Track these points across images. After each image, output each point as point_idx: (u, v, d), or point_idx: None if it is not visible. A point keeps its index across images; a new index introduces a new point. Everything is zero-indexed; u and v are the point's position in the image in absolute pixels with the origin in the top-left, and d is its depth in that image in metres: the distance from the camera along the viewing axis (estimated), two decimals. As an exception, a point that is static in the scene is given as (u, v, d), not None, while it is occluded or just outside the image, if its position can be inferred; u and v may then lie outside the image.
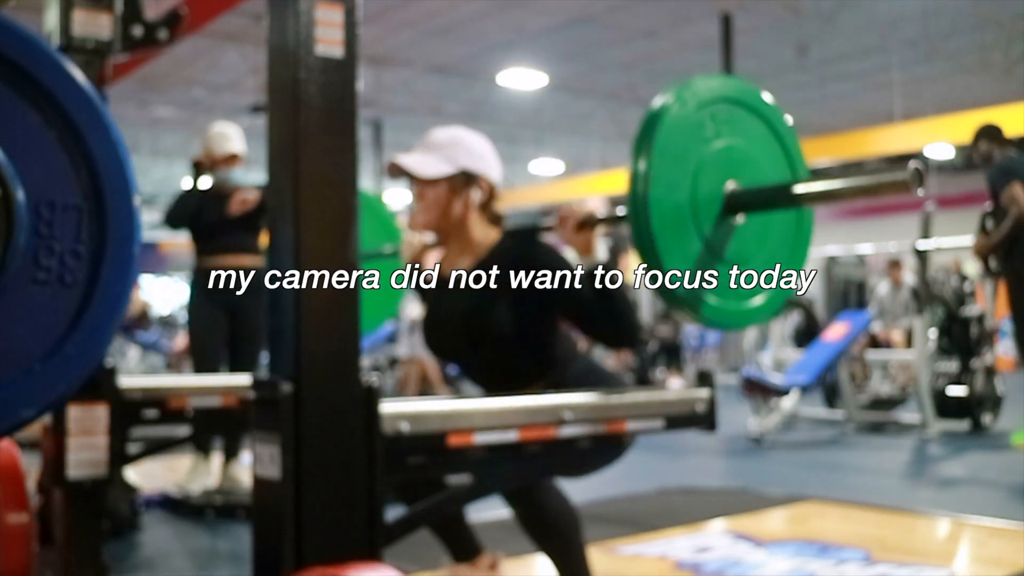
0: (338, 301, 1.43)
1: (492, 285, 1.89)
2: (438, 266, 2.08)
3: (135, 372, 10.02)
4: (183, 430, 2.60)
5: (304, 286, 1.39)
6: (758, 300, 1.85)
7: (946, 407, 5.82)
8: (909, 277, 7.92)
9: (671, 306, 1.76)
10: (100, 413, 2.19)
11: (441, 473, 1.62)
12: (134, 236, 1.19)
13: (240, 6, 7.37)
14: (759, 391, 5.63)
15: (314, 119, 1.41)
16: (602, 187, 17.52)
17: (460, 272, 1.98)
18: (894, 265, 8.59)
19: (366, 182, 16.77)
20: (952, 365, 5.90)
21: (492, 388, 2.02)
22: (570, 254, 1.88)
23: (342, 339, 1.42)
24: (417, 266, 2.18)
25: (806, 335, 7.52)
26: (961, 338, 5.88)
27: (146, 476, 4.03)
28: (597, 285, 1.80)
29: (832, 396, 6.75)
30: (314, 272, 1.40)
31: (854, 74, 11.28)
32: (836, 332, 6.28)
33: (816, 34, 9.36)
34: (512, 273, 1.88)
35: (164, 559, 2.85)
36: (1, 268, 1.09)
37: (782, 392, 5.64)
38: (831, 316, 7.98)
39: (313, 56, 1.41)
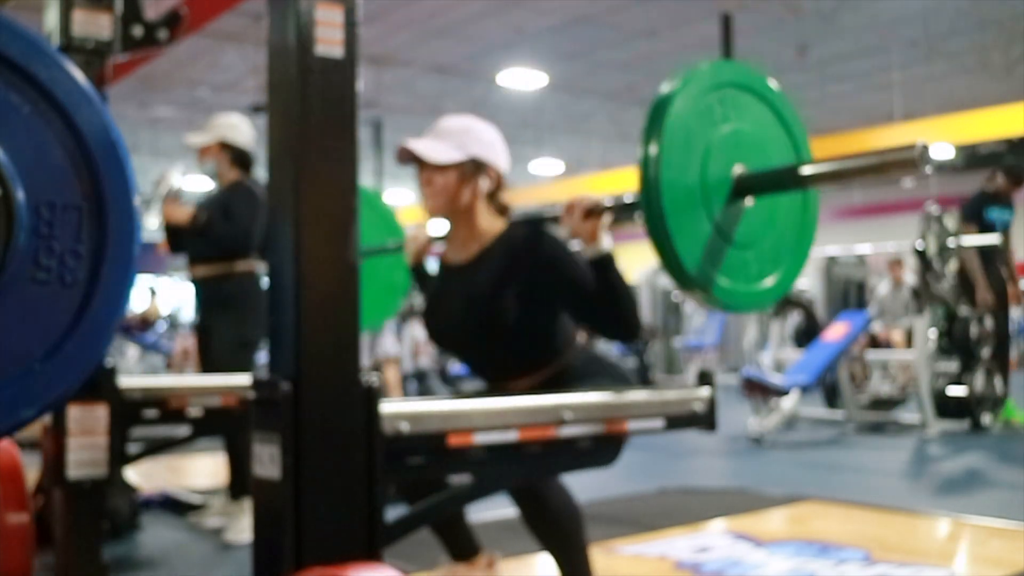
0: (338, 301, 1.43)
1: (496, 273, 1.89)
2: (442, 257, 2.08)
3: (133, 372, 10.02)
4: (183, 430, 2.60)
5: (304, 286, 1.40)
6: (768, 282, 1.87)
7: (946, 407, 5.82)
8: (909, 277, 7.93)
9: (683, 288, 1.77)
10: (100, 413, 2.19)
11: (441, 473, 1.62)
12: (134, 236, 1.19)
13: (240, 6, 7.37)
14: (759, 391, 5.63)
15: (314, 119, 1.41)
16: (602, 187, 17.52)
17: (464, 260, 1.98)
18: (895, 264, 8.60)
19: (366, 182, 16.78)
20: (952, 365, 5.90)
21: (493, 379, 2.02)
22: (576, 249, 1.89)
23: (342, 339, 1.42)
24: (421, 261, 2.18)
25: (806, 335, 7.52)
26: (961, 338, 5.87)
27: (146, 476, 4.03)
28: (602, 275, 1.81)
29: (832, 396, 6.74)
30: (314, 272, 1.40)
31: (854, 74, 11.29)
32: (836, 332, 6.28)
33: (816, 34, 9.37)
34: (517, 261, 1.88)
35: (164, 559, 2.85)
36: (1, 268, 1.09)
37: (782, 392, 5.64)
38: (831, 316, 7.98)
39: (313, 56, 1.42)
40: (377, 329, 3.24)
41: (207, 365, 3.36)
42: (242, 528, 3.01)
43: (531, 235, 1.91)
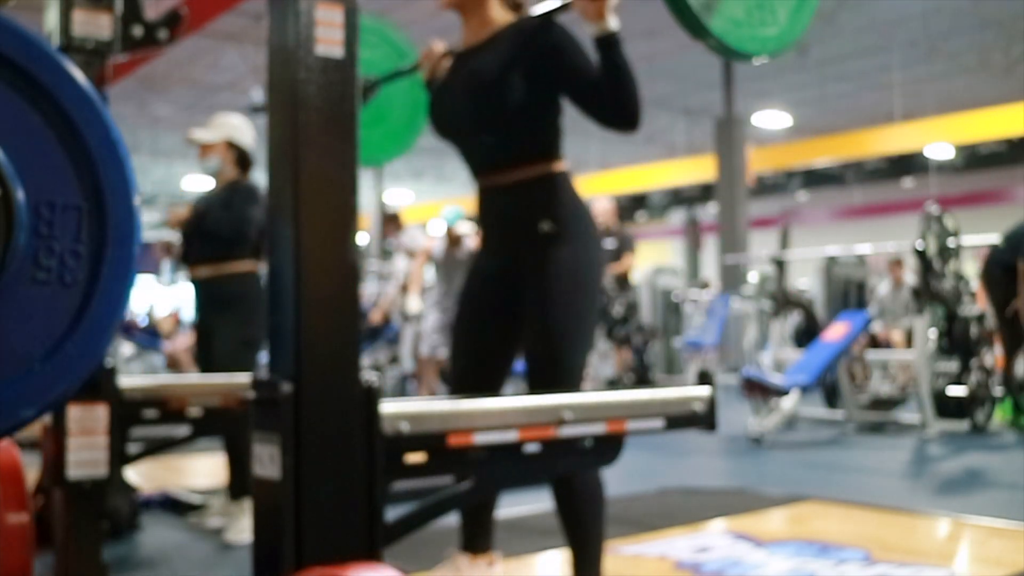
0: (338, 301, 1.43)
1: (503, 55, 1.93)
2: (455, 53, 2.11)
3: (131, 371, 10.01)
4: (183, 430, 2.60)
5: (304, 286, 1.40)
6: (771, 31, 1.86)
7: (946, 407, 5.82)
8: (910, 277, 7.93)
9: (680, 17, 1.75)
10: (100, 413, 2.19)
11: (441, 473, 1.62)
12: (134, 236, 1.19)
13: (240, 6, 7.38)
14: (759, 391, 5.63)
15: (314, 119, 1.42)
16: (602, 187, 17.54)
17: (474, 44, 2.02)
18: (895, 264, 8.59)
19: (366, 182, 16.80)
20: (952, 365, 5.89)
21: (484, 170, 2.03)
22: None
23: (342, 339, 1.42)
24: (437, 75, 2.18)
25: (806, 335, 7.51)
26: (961, 338, 5.87)
27: (146, 476, 4.03)
28: (607, 55, 1.82)
29: (832, 396, 6.74)
30: (314, 272, 1.40)
31: (854, 74, 11.29)
32: (836, 332, 6.28)
33: (816, 34, 9.37)
34: (524, 46, 1.92)
35: (164, 559, 2.85)
36: (1, 268, 1.09)
37: (782, 392, 5.64)
38: (831, 316, 7.98)
39: (313, 56, 1.42)
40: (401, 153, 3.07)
41: (209, 365, 3.35)
42: (242, 528, 3.00)
43: (540, 23, 1.93)
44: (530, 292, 1.96)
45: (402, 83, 2.84)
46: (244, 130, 3.46)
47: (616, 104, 1.86)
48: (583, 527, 1.95)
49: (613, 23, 1.83)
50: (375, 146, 2.97)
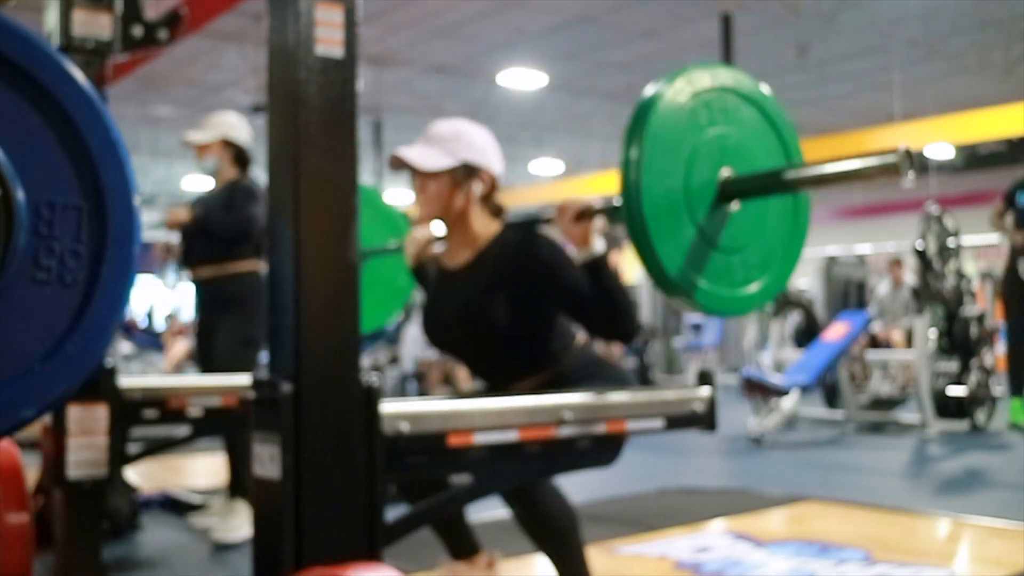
0: (338, 301, 1.43)
1: (490, 279, 1.90)
2: (440, 262, 2.09)
3: (128, 370, 10.01)
4: (183, 430, 2.60)
5: (304, 286, 1.40)
6: (753, 288, 1.86)
7: (946, 407, 5.82)
8: (910, 277, 7.93)
9: (665, 293, 1.76)
10: (100, 413, 2.19)
11: (441, 473, 1.62)
12: (134, 236, 1.19)
13: (240, 6, 7.37)
14: (759, 391, 5.63)
15: (314, 119, 1.42)
16: (602, 187, 17.53)
17: (460, 265, 1.99)
18: (895, 264, 8.59)
19: (366, 182, 16.78)
20: (952, 365, 5.89)
21: (492, 381, 2.03)
22: (572, 250, 1.89)
23: (342, 339, 1.42)
24: (421, 261, 2.19)
25: (806, 335, 7.51)
26: (961, 338, 5.87)
27: (146, 476, 4.03)
28: (595, 278, 1.81)
29: (832, 396, 6.74)
30: (314, 272, 1.40)
31: (854, 74, 11.28)
32: (836, 332, 6.28)
33: (816, 34, 9.37)
34: (510, 267, 1.89)
35: (164, 559, 2.85)
36: (1, 268, 1.09)
37: (782, 392, 5.64)
38: (831, 316, 7.98)
39: (313, 56, 1.42)
40: (389, 324, 3.26)
41: (210, 365, 3.34)
42: (233, 527, 3.00)
43: (525, 240, 1.91)
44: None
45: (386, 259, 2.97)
46: (239, 127, 3.44)
47: (610, 322, 1.84)
48: (556, 540, 1.93)
49: (598, 246, 1.82)
50: (376, 307, 3.24)
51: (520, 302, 1.88)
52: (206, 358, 3.40)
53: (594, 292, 1.81)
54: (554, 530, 1.92)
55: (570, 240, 1.85)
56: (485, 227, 1.98)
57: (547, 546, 1.94)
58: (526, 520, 1.93)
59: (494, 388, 2.02)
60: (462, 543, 2.11)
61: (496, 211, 2.01)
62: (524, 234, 1.93)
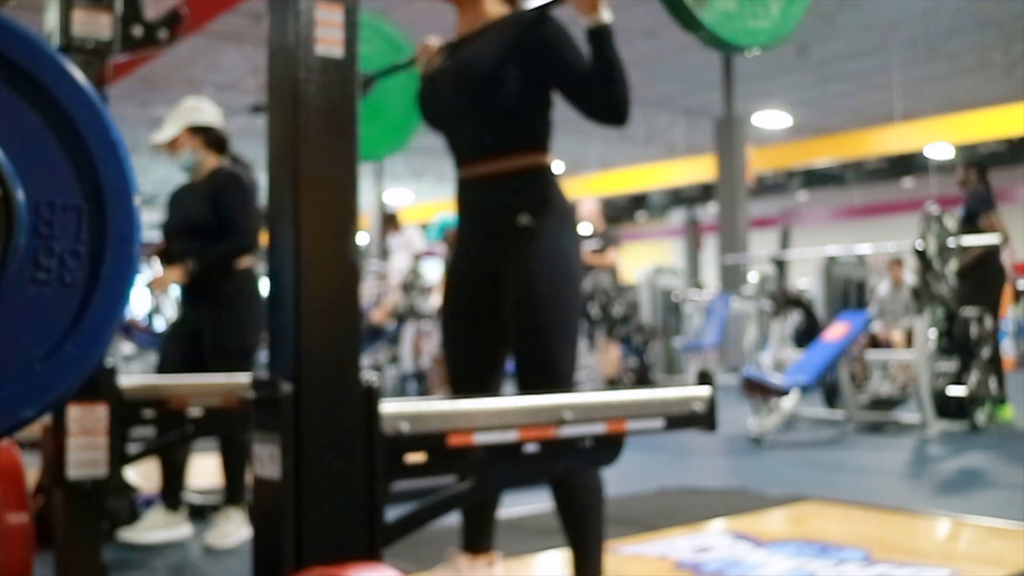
0: (338, 301, 1.43)
1: (495, 44, 1.94)
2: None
3: (128, 370, 10.00)
4: (183, 430, 2.59)
5: (304, 286, 1.39)
6: (762, 23, 1.87)
7: (946, 407, 5.82)
8: (909, 277, 7.94)
9: (672, 10, 1.76)
10: (100, 413, 2.19)
11: (441, 473, 1.62)
12: (134, 236, 1.19)
13: (240, 6, 7.38)
14: (759, 391, 5.63)
15: (314, 119, 1.41)
16: (602, 187, 17.54)
17: (466, 33, 2.04)
18: (895, 264, 8.59)
19: (366, 182, 16.79)
20: (952, 365, 5.89)
21: (468, 158, 2.03)
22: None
23: (342, 339, 1.42)
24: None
25: (806, 335, 7.51)
26: (961, 338, 5.87)
27: (146, 476, 4.03)
28: (599, 46, 1.83)
29: (832, 396, 6.74)
30: (314, 272, 1.40)
31: (854, 74, 11.28)
32: (836, 332, 6.28)
33: (816, 34, 9.36)
34: (516, 38, 1.93)
35: (164, 559, 2.85)
36: (1, 268, 1.09)
37: (782, 392, 5.64)
38: (831, 316, 7.97)
39: (313, 56, 1.42)
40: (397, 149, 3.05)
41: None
42: (226, 533, 2.99)
43: (534, 17, 1.94)
44: (512, 289, 1.96)
45: (399, 78, 2.85)
46: (203, 109, 3.27)
47: (606, 97, 1.87)
48: (583, 527, 1.96)
49: (606, 15, 1.83)
50: (373, 141, 2.96)
51: (520, 71, 1.92)
52: (191, 367, 3.14)
53: (595, 62, 1.84)
54: (581, 513, 1.95)
55: (579, 7, 1.85)
56: (497, 9, 2.05)
57: (571, 526, 1.96)
58: (559, 498, 1.96)
59: (469, 167, 2.02)
60: (482, 536, 2.10)
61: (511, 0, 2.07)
62: (534, 12, 1.95)
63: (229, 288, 3.19)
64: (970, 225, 6.11)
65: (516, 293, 1.95)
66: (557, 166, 2.07)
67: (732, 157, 12.31)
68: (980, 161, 6.75)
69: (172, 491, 3.15)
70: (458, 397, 1.95)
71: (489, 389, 2.07)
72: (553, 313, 1.92)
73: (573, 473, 1.91)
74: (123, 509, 3.11)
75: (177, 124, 3.25)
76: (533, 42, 1.92)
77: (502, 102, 1.93)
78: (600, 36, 1.84)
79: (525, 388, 1.92)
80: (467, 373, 2.08)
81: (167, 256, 3.33)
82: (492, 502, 2.11)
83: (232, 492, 3.13)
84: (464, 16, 2.08)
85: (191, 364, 3.15)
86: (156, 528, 3.08)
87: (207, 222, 3.16)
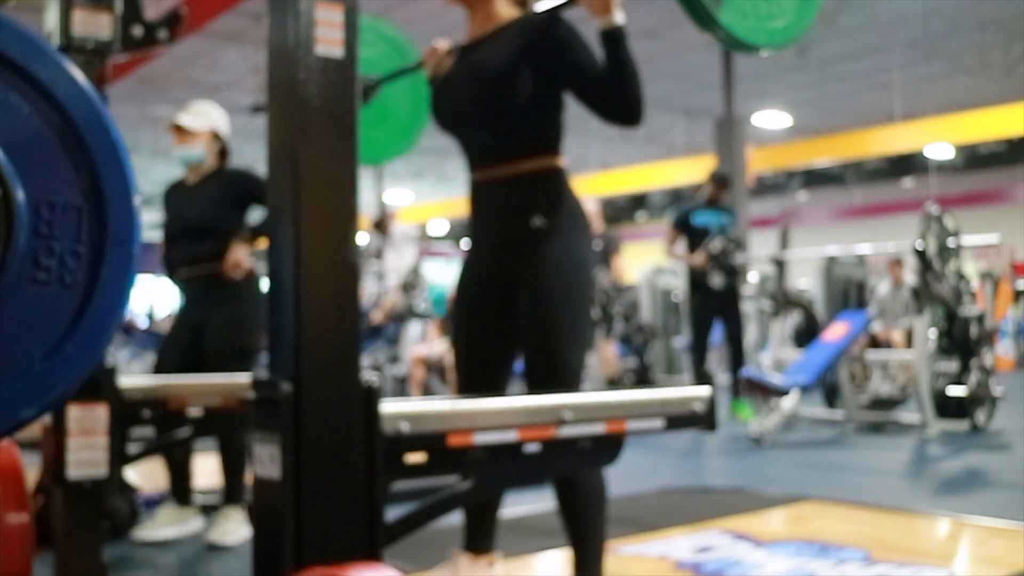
0: (338, 301, 1.43)
1: (508, 46, 1.94)
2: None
3: (128, 370, 10.01)
4: (183, 430, 2.59)
5: (304, 286, 1.39)
6: (778, 23, 1.88)
7: (946, 407, 5.82)
8: (910, 277, 7.94)
9: (689, 9, 1.77)
10: (100, 413, 2.19)
11: (441, 473, 1.62)
12: (134, 236, 1.19)
13: (240, 6, 7.38)
14: (759, 391, 5.63)
15: (314, 119, 1.41)
16: (602, 187, 17.54)
17: (478, 36, 2.04)
18: (895, 264, 8.59)
19: (366, 182, 16.79)
20: (952, 365, 5.90)
21: (484, 163, 2.03)
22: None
23: (342, 339, 1.42)
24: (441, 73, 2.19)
25: (806, 335, 7.51)
26: (961, 338, 5.88)
27: (146, 476, 4.03)
28: (612, 47, 1.84)
29: (832, 396, 6.74)
30: (314, 272, 1.40)
31: (854, 74, 11.29)
32: (836, 332, 6.28)
33: (816, 34, 9.37)
34: (529, 41, 1.93)
35: (163, 559, 2.85)
36: (1, 268, 1.09)
37: (782, 392, 5.64)
38: (831, 316, 7.98)
39: (313, 56, 1.42)
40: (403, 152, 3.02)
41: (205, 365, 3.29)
42: (227, 531, 2.99)
43: (547, 19, 1.94)
44: (524, 291, 1.96)
45: (404, 81, 2.84)
46: (225, 122, 3.35)
47: (620, 99, 1.87)
48: (585, 525, 1.96)
49: (619, 17, 1.84)
50: (378, 145, 2.95)
51: (533, 73, 1.92)
52: (190, 367, 3.14)
53: (609, 64, 1.85)
54: (584, 511, 1.95)
55: (591, 9, 1.85)
56: (508, 11, 2.04)
57: (573, 525, 1.96)
58: (562, 496, 1.96)
59: (482, 171, 2.03)
60: (484, 536, 2.10)
61: (521, 1, 2.07)
62: (546, 15, 1.95)
63: (229, 288, 3.19)
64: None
65: (529, 294, 1.95)
66: None
67: (732, 157, 12.31)
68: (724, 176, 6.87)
69: (180, 487, 3.18)
70: (466, 396, 1.96)
71: (498, 389, 2.07)
72: (565, 314, 1.93)
73: (574, 473, 1.91)
74: (123, 509, 3.11)
75: (206, 121, 3.30)
76: (546, 45, 1.92)
77: (516, 105, 1.93)
78: (614, 37, 1.84)
79: (534, 388, 1.92)
80: (476, 372, 2.08)
81: (170, 260, 3.34)
82: (494, 502, 2.11)
83: (231, 492, 3.13)
84: (475, 18, 2.07)
85: (191, 364, 3.15)
86: (169, 524, 3.10)
87: (216, 223, 3.18)
